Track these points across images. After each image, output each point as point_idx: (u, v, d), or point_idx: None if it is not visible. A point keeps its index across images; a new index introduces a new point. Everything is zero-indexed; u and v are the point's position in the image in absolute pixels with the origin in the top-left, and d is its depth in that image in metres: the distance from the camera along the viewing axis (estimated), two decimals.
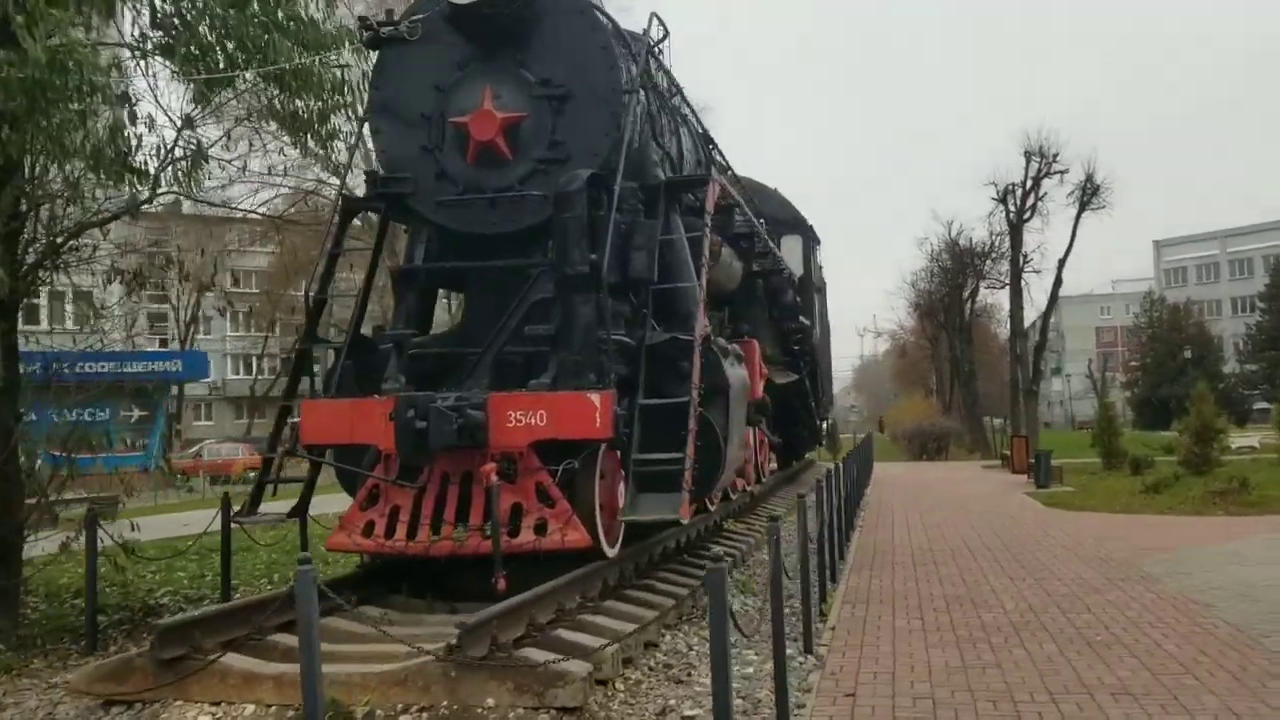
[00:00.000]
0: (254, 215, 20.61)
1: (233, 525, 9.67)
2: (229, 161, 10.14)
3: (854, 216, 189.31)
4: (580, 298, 8.53)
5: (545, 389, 8.45)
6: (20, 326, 10.65)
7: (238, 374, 68.81)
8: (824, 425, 29.90)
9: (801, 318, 18.94)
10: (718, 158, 14.64)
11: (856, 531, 16.05)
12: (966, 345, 52.80)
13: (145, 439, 36.70)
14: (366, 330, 9.81)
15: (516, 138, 9.31)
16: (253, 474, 9.88)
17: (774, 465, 23.80)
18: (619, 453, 8.76)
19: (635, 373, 8.94)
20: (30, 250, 9.57)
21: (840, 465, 16.25)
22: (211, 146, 10.25)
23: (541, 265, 8.97)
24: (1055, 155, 38.96)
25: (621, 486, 8.95)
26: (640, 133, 10.08)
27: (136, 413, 37.01)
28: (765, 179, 21.58)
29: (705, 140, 13.56)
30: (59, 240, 9.72)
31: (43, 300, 10.77)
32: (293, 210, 24.45)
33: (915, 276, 57.58)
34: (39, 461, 10.49)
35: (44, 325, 12.64)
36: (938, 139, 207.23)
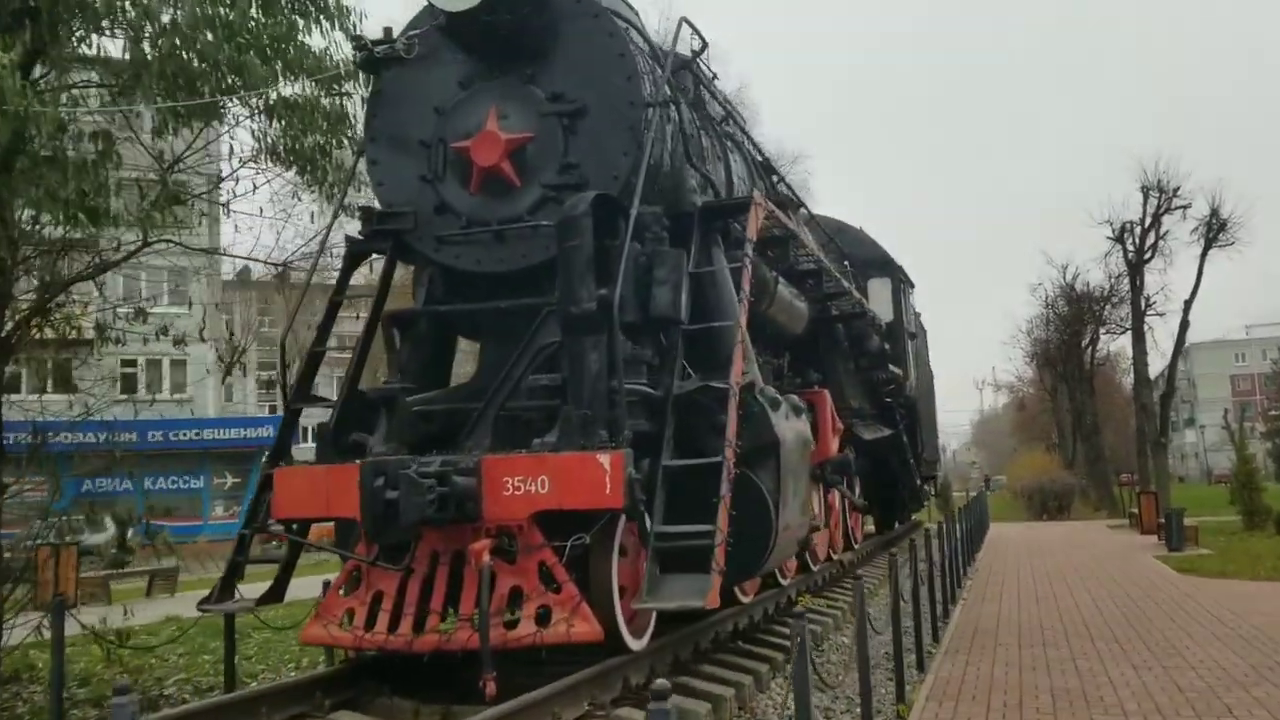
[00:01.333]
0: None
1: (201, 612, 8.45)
2: (223, 205, 9.14)
3: (961, 262, 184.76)
4: (589, 341, 7.22)
5: (550, 450, 7.13)
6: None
7: None
8: (931, 483, 27.94)
9: (892, 366, 17.31)
10: (783, 190, 13.29)
11: (959, 605, 14.27)
12: (1088, 396, 49.81)
13: (238, 505, 36.53)
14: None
15: (524, 162, 8.13)
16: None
17: (871, 528, 22.05)
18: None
19: (662, 428, 7.57)
20: (8, 311, 8.74)
21: (939, 528, 14.57)
22: (211, 190, 9.36)
23: (549, 305, 7.69)
24: (1176, 189, 36.41)
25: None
26: (673, 153, 8.81)
27: (230, 479, 36.94)
28: (854, 221, 20.09)
29: (765, 169, 12.24)
30: (47, 295, 8.89)
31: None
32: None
33: (1030, 324, 54.86)
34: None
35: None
36: (1044, 175, 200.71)
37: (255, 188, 9.72)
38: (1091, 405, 49.90)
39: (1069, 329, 48.68)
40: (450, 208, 8.29)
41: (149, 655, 11.15)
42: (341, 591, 7.39)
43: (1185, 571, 17.76)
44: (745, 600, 10.19)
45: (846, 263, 18.04)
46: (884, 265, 18.63)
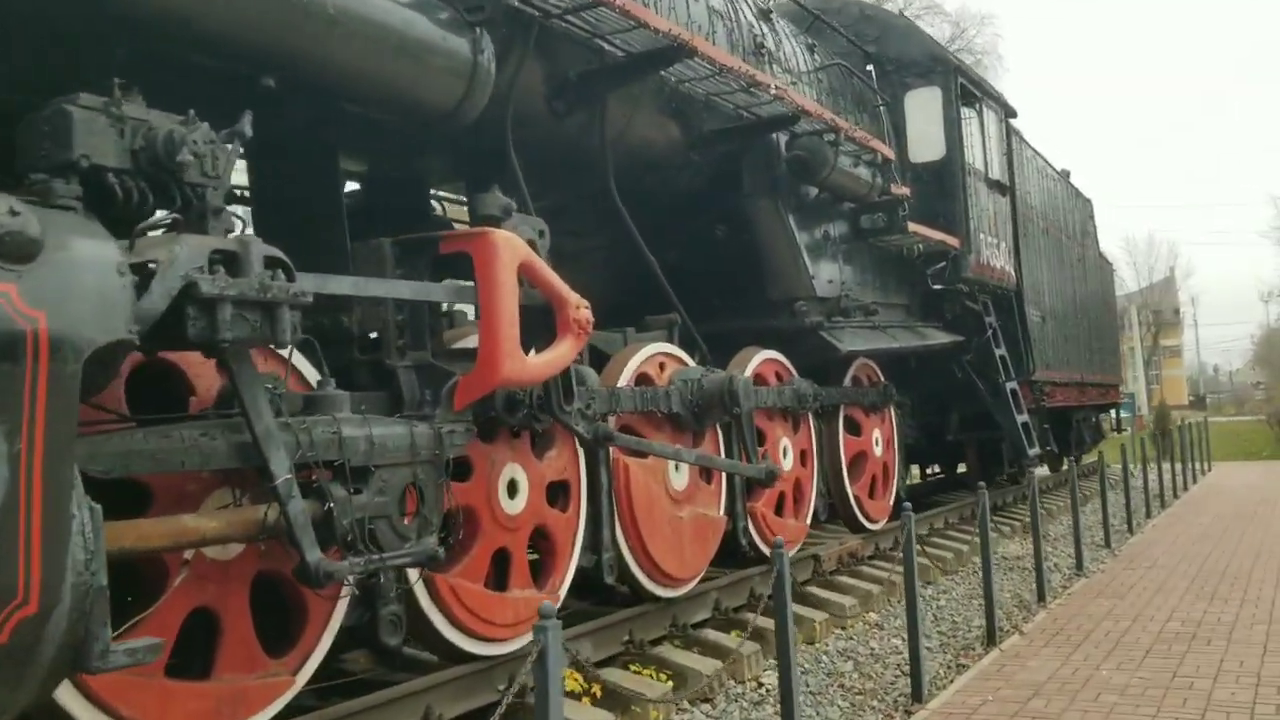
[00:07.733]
0: None
1: None
2: None
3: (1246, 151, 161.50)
4: None
5: None
6: None
7: None
8: (1110, 414, 20.31)
9: (929, 231, 10.25)
10: None
11: (994, 650, 7.54)
12: None
13: None
14: None
15: None
16: None
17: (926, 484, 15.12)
18: None
19: None
20: None
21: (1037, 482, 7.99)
22: None
23: None
24: None
25: None
26: None
27: None
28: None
29: None
30: None
31: None
32: None
33: None
34: None
35: None
36: None
37: None
38: None
39: None
40: None
41: None
42: None
43: None
44: None
45: (870, 67, 11.22)
46: (930, 67, 11.28)
